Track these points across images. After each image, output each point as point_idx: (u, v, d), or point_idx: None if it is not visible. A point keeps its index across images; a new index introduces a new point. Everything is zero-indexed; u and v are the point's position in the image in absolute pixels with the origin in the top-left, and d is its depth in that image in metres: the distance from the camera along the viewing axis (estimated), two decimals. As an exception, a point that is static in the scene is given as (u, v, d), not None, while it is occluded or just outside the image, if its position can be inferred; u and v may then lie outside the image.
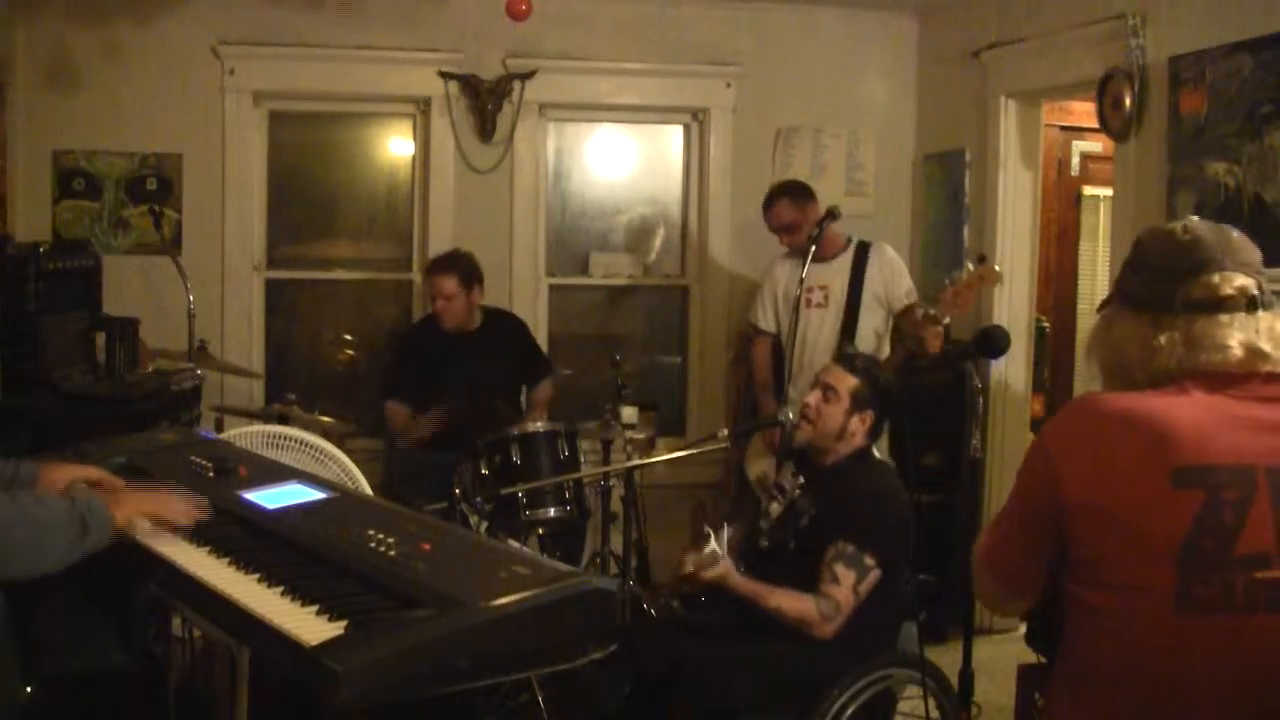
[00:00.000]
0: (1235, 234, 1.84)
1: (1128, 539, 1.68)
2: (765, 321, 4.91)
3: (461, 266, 4.88)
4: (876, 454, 3.46)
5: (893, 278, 4.72)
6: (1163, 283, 1.79)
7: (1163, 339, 1.76)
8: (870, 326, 4.67)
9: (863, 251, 4.74)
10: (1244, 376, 1.74)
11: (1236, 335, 1.74)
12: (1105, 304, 1.92)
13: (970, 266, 4.24)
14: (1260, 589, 1.64)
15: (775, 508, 3.44)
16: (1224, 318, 1.75)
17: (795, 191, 4.77)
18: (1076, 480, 1.72)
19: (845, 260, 4.73)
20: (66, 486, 2.24)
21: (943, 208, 5.52)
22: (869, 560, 3.09)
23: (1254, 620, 1.64)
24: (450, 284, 4.84)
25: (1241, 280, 1.77)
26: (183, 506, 2.25)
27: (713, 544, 3.16)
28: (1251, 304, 1.76)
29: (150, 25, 5.22)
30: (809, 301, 4.67)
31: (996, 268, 4.31)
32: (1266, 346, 1.74)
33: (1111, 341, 1.86)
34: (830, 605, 3.06)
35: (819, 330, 4.69)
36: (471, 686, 1.79)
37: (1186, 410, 1.71)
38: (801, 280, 4.51)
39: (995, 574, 1.89)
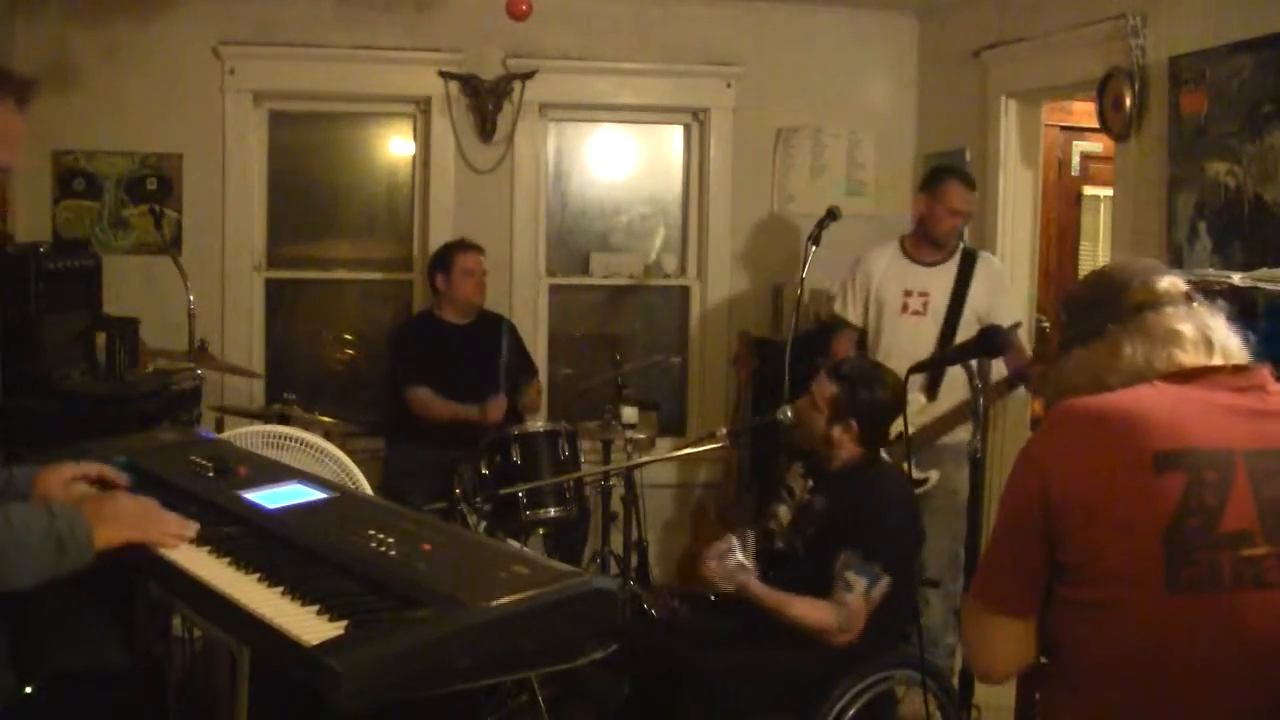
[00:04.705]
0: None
1: (1116, 529, 1.70)
2: (854, 315, 4.39)
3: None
4: (886, 458, 3.39)
5: (996, 296, 4.29)
6: (1106, 302, 1.88)
7: (1126, 348, 1.83)
8: None
9: (969, 260, 4.30)
10: (1211, 370, 1.80)
11: (1186, 323, 1.84)
12: (1042, 359, 1.98)
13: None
14: (1246, 566, 1.67)
15: (784, 510, 3.42)
16: (1169, 310, 1.85)
17: (969, 178, 4.39)
18: (1061, 479, 1.74)
19: (950, 267, 4.29)
20: (64, 487, 2.22)
21: (943, 208, 5.51)
22: (877, 567, 3.06)
23: (1242, 597, 1.67)
24: (482, 259, 5.00)
25: (1170, 279, 1.90)
26: (172, 529, 2.19)
27: (739, 555, 3.13)
28: (1188, 297, 1.88)
29: (150, 25, 5.22)
30: (905, 307, 4.27)
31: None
32: (1215, 337, 1.84)
33: (1071, 372, 1.91)
34: (846, 614, 3.04)
35: (913, 341, 4.18)
36: (471, 686, 1.79)
37: (1160, 400, 1.76)
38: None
39: (989, 601, 1.85)
